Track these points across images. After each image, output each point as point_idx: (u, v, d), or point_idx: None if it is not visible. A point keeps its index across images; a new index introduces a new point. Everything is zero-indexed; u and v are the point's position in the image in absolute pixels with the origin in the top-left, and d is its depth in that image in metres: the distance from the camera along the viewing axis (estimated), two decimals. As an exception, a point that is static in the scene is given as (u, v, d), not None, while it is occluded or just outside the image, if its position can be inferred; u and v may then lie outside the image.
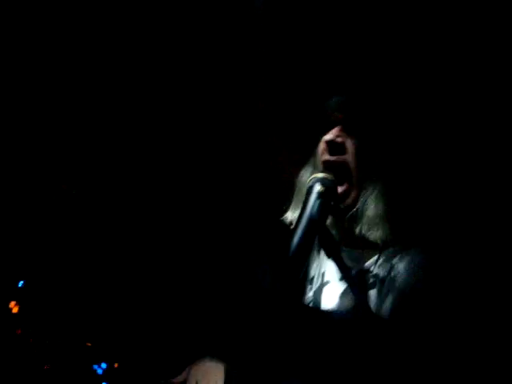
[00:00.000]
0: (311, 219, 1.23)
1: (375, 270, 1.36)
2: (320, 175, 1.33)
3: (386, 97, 1.54)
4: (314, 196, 1.27)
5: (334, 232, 1.48)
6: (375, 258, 1.39)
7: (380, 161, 1.41)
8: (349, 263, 1.39)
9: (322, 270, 1.50)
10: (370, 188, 1.38)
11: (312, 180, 1.32)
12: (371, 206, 1.36)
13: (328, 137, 1.42)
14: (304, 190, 1.34)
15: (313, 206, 1.25)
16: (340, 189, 1.37)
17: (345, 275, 1.32)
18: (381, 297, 1.31)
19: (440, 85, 1.88)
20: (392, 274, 1.32)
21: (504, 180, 1.81)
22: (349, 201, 1.38)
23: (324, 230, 1.26)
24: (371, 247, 1.38)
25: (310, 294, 1.50)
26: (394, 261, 1.34)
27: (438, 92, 1.88)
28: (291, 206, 1.51)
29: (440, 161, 1.85)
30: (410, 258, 1.32)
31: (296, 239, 1.19)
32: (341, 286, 1.41)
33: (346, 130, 1.43)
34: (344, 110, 1.44)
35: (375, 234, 1.35)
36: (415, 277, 1.27)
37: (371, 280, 1.35)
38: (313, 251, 1.46)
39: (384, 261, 1.37)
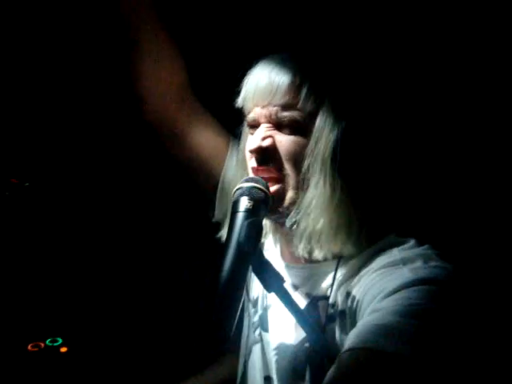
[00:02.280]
0: (239, 248, 1.01)
1: (332, 298, 1.13)
2: (246, 185, 1.09)
3: (329, 79, 1.16)
4: (240, 217, 1.05)
5: (276, 245, 1.27)
6: (330, 277, 1.17)
7: (323, 158, 1.11)
8: (297, 282, 1.20)
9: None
10: (311, 193, 1.12)
11: (237, 193, 1.09)
12: (311, 216, 1.13)
13: (251, 146, 1.14)
14: (230, 197, 1.12)
15: (240, 231, 1.02)
16: (273, 188, 1.13)
17: (293, 310, 1.08)
18: (342, 334, 1.11)
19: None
20: (352, 304, 1.08)
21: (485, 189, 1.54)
22: (285, 204, 1.15)
23: (258, 258, 1.05)
24: (323, 261, 1.18)
25: (255, 319, 1.31)
26: (352, 285, 1.11)
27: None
28: (220, 218, 1.30)
29: (407, 161, 1.54)
30: (370, 286, 1.04)
31: (223, 274, 0.99)
32: None
33: (274, 124, 1.14)
34: (269, 99, 1.12)
35: (316, 252, 1.14)
36: (379, 320, 0.93)
37: (330, 311, 1.13)
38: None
39: (340, 283, 1.14)
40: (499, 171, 1.61)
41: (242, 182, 1.10)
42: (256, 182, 1.10)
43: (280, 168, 1.13)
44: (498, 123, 1.60)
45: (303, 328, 1.10)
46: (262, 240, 1.31)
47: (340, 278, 1.14)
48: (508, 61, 1.55)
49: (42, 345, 1.63)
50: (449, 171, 1.63)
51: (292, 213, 1.14)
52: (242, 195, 1.07)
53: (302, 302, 1.20)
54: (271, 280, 1.05)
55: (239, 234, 1.02)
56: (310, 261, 1.19)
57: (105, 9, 1.32)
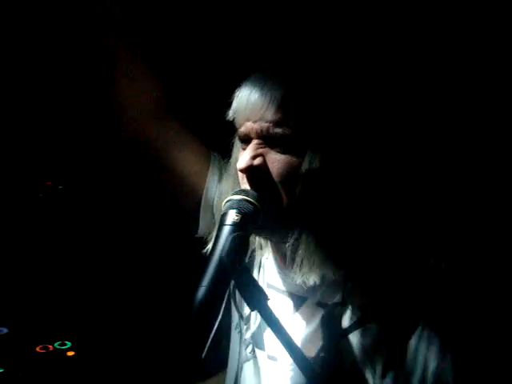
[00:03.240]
0: (221, 263, 0.97)
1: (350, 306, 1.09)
2: (236, 197, 1.03)
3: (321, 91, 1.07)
4: (226, 230, 1.00)
5: (273, 257, 1.21)
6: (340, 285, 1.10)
7: (318, 179, 1.03)
8: (303, 292, 1.14)
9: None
10: (306, 216, 1.05)
11: (226, 205, 1.03)
12: (305, 240, 1.05)
13: (241, 164, 1.06)
14: (214, 212, 1.07)
15: (224, 245, 0.98)
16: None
17: (276, 330, 1.01)
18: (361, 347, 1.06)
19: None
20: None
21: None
22: (276, 223, 1.08)
23: (242, 274, 1.00)
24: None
25: (247, 336, 1.25)
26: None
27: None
28: (204, 232, 1.26)
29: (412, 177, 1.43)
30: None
31: (201, 292, 0.95)
32: (292, 319, 1.16)
33: (266, 140, 1.06)
34: (261, 114, 1.04)
35: (312, 278, 1.07)
36: None
37: (349, 319, 1.08)
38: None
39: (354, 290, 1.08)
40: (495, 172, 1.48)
41: (232, 194, 1.05)
42: (247, 194, 1.04)
43: (272, 188, 1.07)
44: (489, 125, 1.48)
45: (288, 353, 1.03)
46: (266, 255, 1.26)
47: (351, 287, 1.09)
48: (496, 58, 1.43)
49: (51, 347, 1.64)
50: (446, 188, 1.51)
51: (287, 235, 1.08)
52: (230, 208, 1.02)
53: (313, 313, 1.14)
54: (254, 298, 1.00)
55: (223, 248, 0.98)
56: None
57: (79, 28, 1.30)
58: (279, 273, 1.21)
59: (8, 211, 2.35)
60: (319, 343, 1.12)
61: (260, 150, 1.06)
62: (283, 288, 1.20)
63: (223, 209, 1.03)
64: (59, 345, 1.66)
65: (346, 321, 1.09)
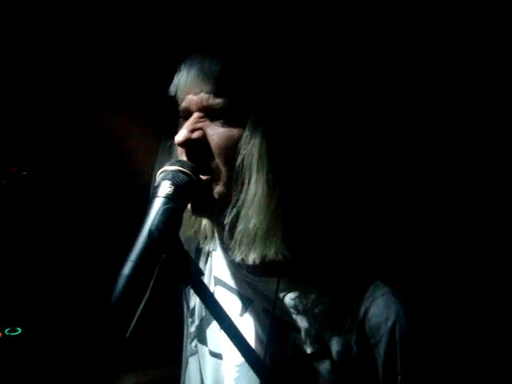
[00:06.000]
0: (150, 237, 0.91)
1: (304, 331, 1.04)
2: (170, 168, 0.98)
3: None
4: (157, 203, 0.94)
5: (221, 248, 1.16)
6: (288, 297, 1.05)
7: (258, 153, 0.98)
8: (250, 294, 1.09)
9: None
10: (245, 191, 0.99)
11: (160, 176, 0.98)
12: (245, 215, 0.99)
13: (179, 137, 1.01)
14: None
15: (154, 218, 0.92)
16: (204, 177, 1.01)
17: (213, 308, 0.96)
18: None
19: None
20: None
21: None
22: (214, 197, 1.03)
23: (173, 249, 0.93)
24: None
25: (191, 330, 1.19)
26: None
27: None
28: None
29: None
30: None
31: (127, 267, 0.88)
32: (239, 322, 1.09)
33: (206, 113, 1.02)
34: (201, 86, 1.01)
35: (251, 256, 1.00)
36: None
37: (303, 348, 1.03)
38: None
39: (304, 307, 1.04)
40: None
41: (167, 165, 0.99)
42: (182, 165, 0.99)
43: (211, 162, 1.02)
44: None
45: (231, 339, 0.97)
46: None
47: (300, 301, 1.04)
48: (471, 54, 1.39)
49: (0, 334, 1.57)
50: (393, 167, 1.46)
51: (226, 211, 1.02)
52: (163, 179, 0.97)
53: (260, 320, 1.09)
54: (186, 272, 0.94)
55: (152, 221, 0.92)
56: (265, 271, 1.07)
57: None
58: (228, 266, 1.15)
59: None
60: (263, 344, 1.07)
61: (199, 124, 1.02)
62: (231, 285, 1.14)
63: (157, 180, 0.98)
64: (9, 331, 1.60)
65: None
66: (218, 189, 1.02)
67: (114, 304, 0.86)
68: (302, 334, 1.04)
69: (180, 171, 0.97)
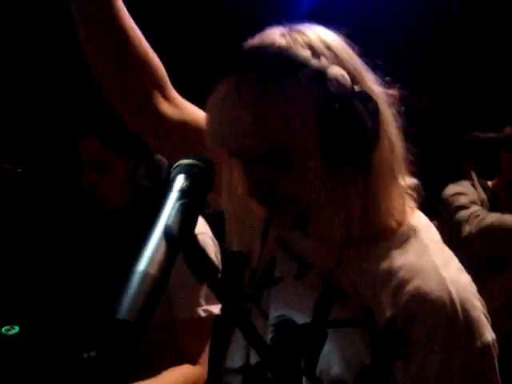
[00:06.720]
0: (167, 232, 0.88)
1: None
2: (185, 162, 0.95)
3: None
4: (172, 198, 0.92)
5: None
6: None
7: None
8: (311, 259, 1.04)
9: (269, 258, 1.11)
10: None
11: (175, 170, 0.95)
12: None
13: None
14: None
15: (170, 214, 0.90)
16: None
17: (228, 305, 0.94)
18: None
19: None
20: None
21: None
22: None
23: (189, 245, 0.91)
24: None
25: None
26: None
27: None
28: None
29: None
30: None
31: (139, 273, 0.85)
32: (293, 285, 1.04)
33: None
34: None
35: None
36: None
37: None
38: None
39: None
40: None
41: (182, 159, 0.97)
42: (199, 158, 0.97)
43: None
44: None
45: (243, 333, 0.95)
46: None
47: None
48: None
49: (-4, 331, 1.54)
50: None
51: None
52: (179, 173, 0.95)
53: (314, 287, 1.02)
54: (202, 270, 0.92)
55: (168, 217, 0.90)
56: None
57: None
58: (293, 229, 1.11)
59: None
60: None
61: None
62: (293, 248, 1.09)
63: (172, 174, 0.96)
64: (6, 330, 1.57)
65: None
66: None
67: (131, 302, 0.83)
68: (351, 300, 1.00)
69: (195, 165, 0.96)
